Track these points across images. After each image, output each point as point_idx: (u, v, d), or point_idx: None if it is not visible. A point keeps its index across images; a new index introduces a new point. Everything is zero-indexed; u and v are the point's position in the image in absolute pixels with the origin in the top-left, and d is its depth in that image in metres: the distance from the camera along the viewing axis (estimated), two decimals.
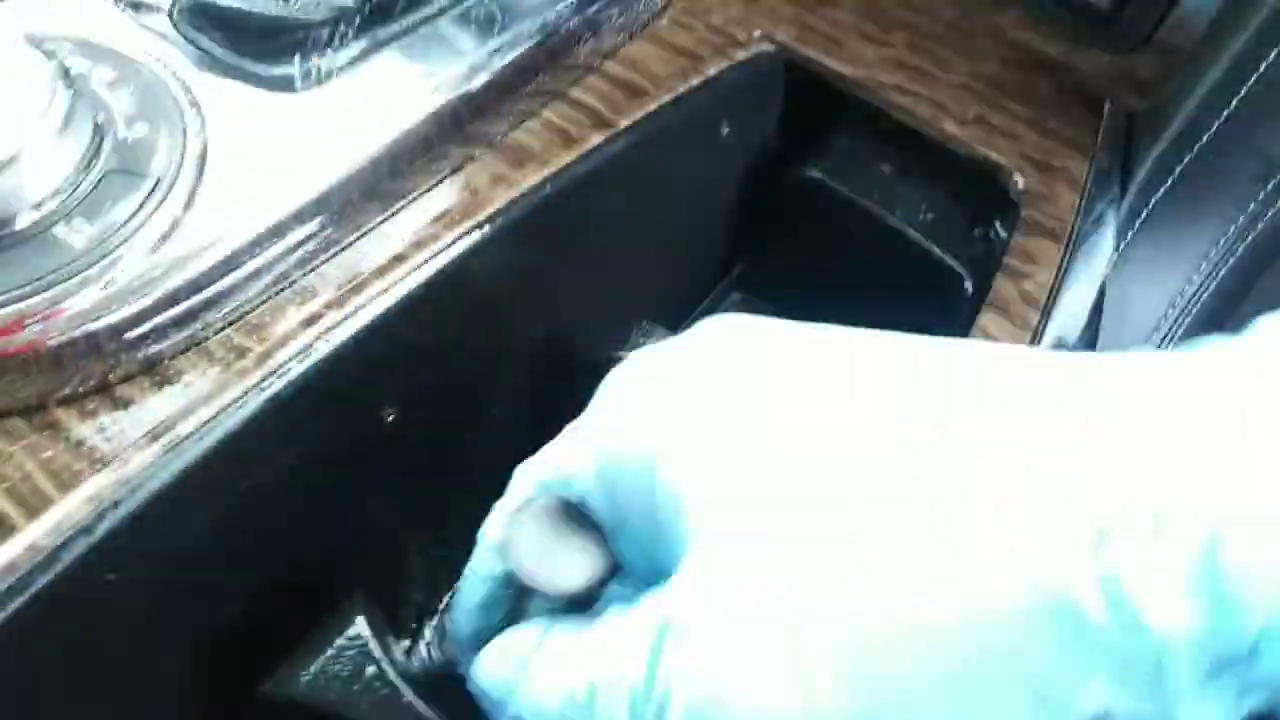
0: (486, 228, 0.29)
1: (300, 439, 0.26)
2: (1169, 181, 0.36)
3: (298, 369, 0.26)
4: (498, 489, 0.25)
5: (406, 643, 0.35)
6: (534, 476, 0.24)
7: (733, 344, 0.23)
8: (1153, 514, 0.17)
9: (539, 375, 0.35)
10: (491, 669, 0.23)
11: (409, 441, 0.30)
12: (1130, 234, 0.36)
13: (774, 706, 0.19)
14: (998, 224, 0.37)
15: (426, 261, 0.28)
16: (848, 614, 0.18)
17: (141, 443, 0.24)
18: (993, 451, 0.19)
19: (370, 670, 0.25)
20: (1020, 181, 0.35)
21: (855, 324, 0.23)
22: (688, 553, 0.21)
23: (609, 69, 0.34)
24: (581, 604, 0.23)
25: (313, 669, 0.25)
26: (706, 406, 0.22)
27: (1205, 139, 0.36)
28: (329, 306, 0.27)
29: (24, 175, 0.25)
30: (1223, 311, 0.40)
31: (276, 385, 0.25)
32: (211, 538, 0.25)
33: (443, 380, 0.30)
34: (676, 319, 0.41)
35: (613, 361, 0.25)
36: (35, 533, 0.23)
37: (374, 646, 0.26)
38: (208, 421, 0.24)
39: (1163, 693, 0.17)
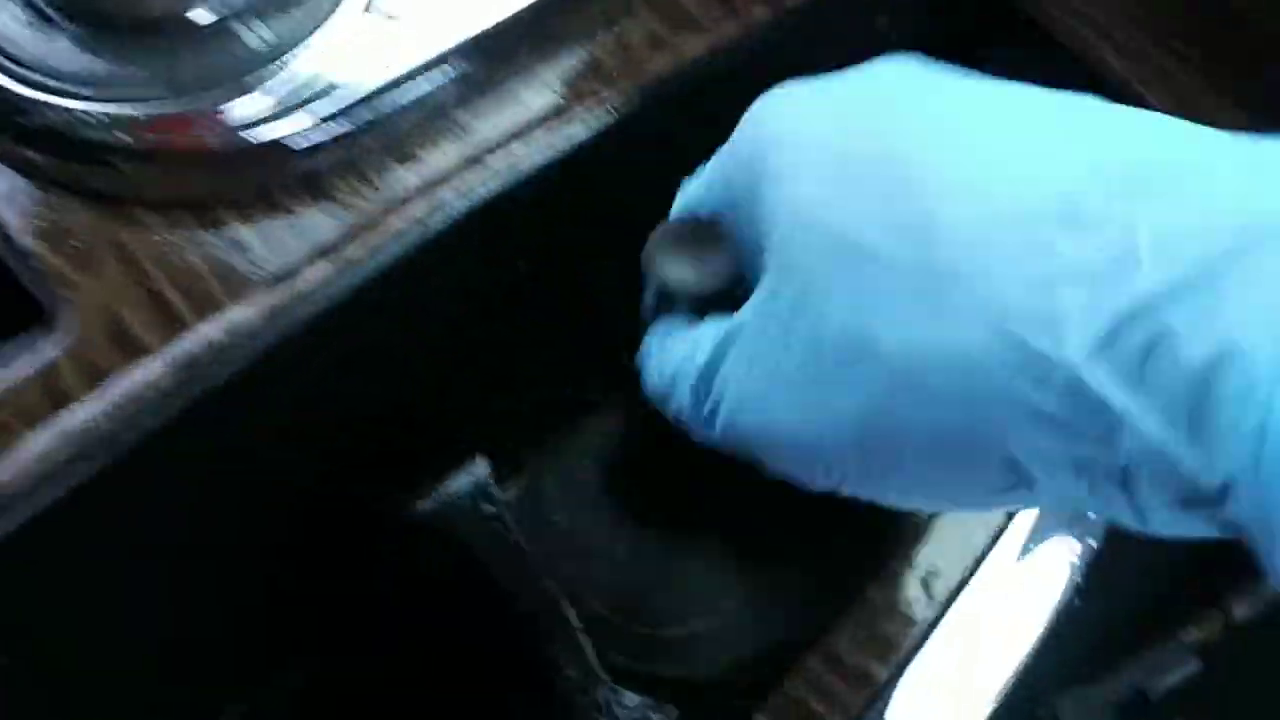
0: (643, 94, 0.29)
1: (450, 275, 0.27)
2: None
3: (457, 207, 0.26)
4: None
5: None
6: (679, 199, 0.27)
7: (883, 83, 0.24)
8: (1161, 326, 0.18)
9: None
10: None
11: (535, 294, 0.31)
12: None
13: (790, 428, 0.22)
14: None
15: (583, 118, 0.28)
16: (880, 354, 0.21)
17: (307, 258, 0.25)
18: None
19: (486, 507, 0.27)
20: None
21: None
22: (765, 272, 0.23)
23: None
24: (718, 307, 0.26)
25: (435, 499, 0.27)
26: (831, 131, 0.23)
27: None
28: (487, 150, 0.27)
29: None
30: None
31: (437, 221, 0.26)
32: (361, 359, 0.27)
33: (574, 238, 0.31)
34: None
35: None
36: (206, 330, 0.24)
37: (491, 485, 0.28)
38: (375, 247, 0.25)
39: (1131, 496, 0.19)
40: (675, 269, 0.26)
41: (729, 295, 0.25)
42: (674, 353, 0.26)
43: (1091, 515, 0.31)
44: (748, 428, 0.23)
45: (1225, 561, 0.60)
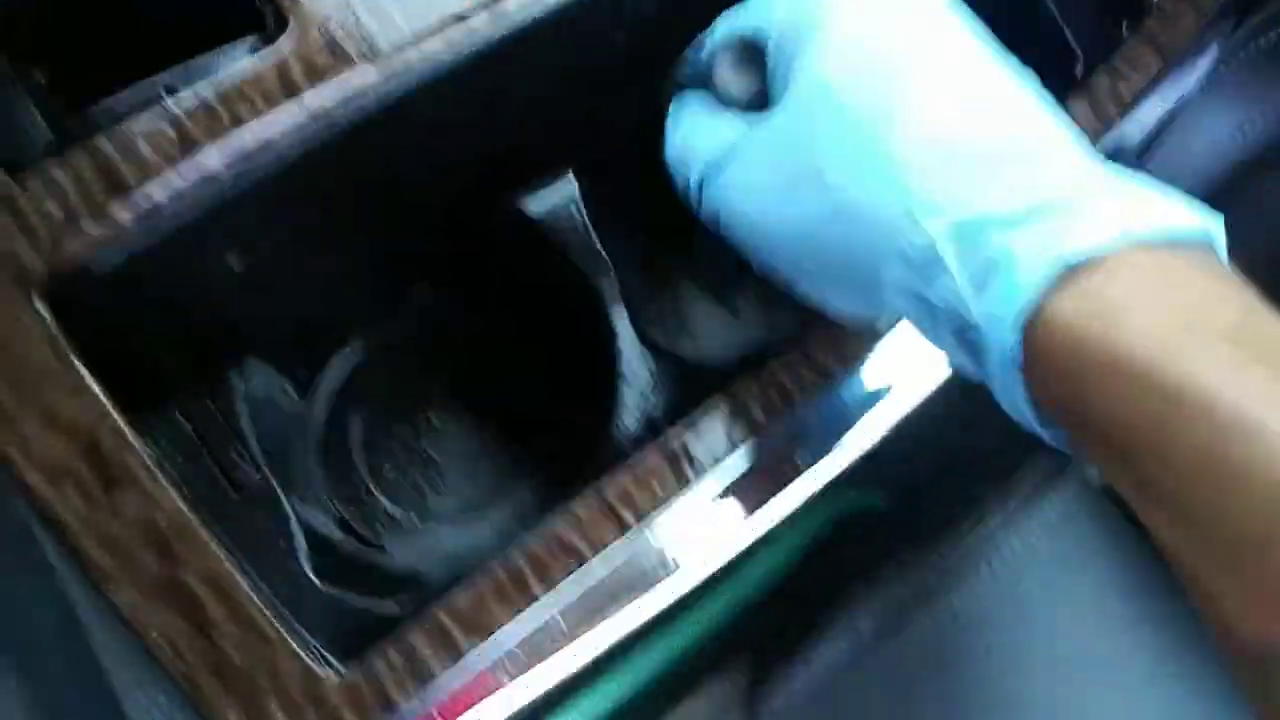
0: None
1: (568, 37, 0.37)
2: (1269, 37, 0.44)
3: None
4: None
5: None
6: (723, 18, 0.36)
7: None
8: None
9: None
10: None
11: (629, 60, 0.40)
12: (1219, 70, 0.44)
13: (756, 225, 0.33)
14: (1125, 25, 0.45)
15: None
16: (827, 187, 0.31)
17: (473, 7, 0.35)
18: None
19: (575, 214, 0.38)
20: None
21: None
22: (779, 103, 0.32)
23: None
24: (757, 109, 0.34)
25: (536, 201, 0.38)
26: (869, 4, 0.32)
27: None
28: None
29: None
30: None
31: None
32: (497, 88, 0.37)
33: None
34: None
35: None
36: (396, 54, 0.34)
37: (578, 197, 0.38)
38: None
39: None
40: (727, 73, 0.35)
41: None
42: (694, 134, 0.35)
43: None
44: (729, 217, 0.34)
45: None
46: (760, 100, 0.34)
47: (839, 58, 0.31)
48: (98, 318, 0.34)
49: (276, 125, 0.34)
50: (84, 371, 0.32)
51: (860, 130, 0.30)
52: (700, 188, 0.35)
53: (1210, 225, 0.27)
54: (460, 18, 0.35)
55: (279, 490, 0.39)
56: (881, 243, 0.30)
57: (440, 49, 0.35)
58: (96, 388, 0.32)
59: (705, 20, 0.37)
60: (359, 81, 0.34)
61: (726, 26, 0.35)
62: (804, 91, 0.31)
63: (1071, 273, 0.26)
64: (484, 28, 0.35)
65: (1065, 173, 0.29)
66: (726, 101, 0.35)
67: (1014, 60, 0.33)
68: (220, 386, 0.41)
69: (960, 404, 0.35)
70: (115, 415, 0.32)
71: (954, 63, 0.31)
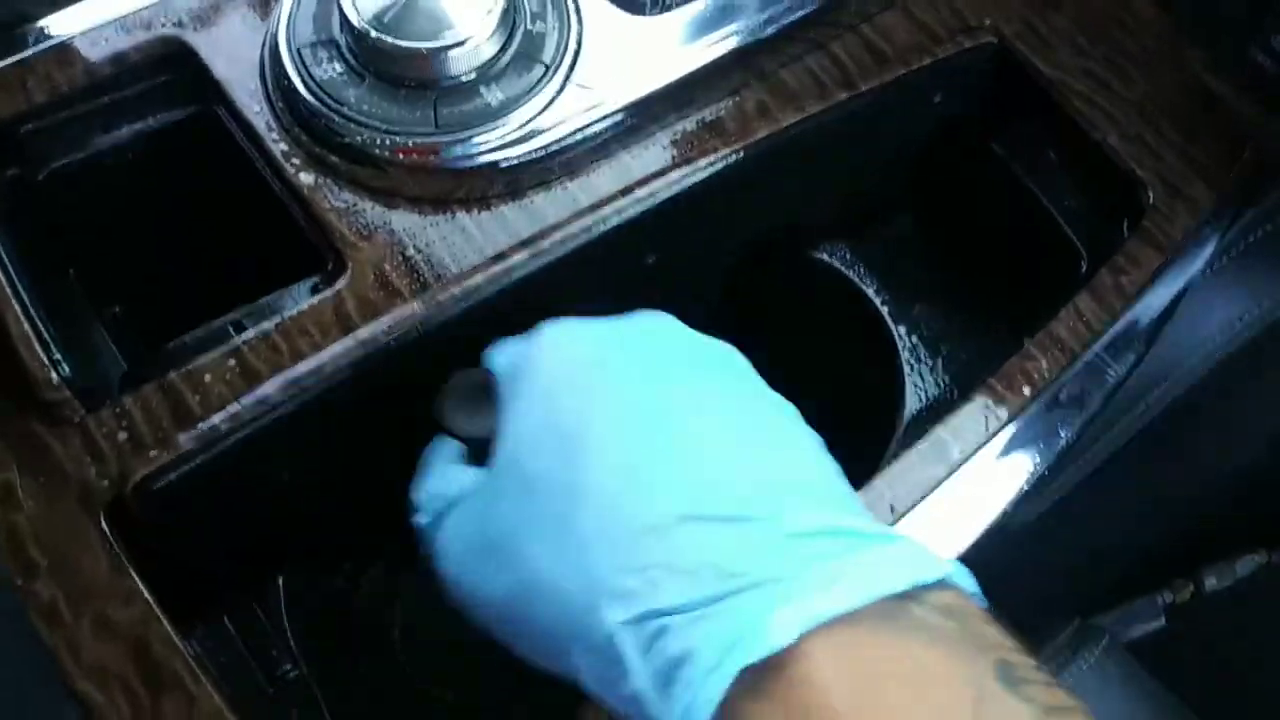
0: (748, 149, 0.42)
1: (606, 261, 0.41)
2: (1265, 229, 0.46)
3: (615, 219, 0.40)
4: None
5: None
6: (493, 349, 0.36)
7: (629, 341, 0.33)
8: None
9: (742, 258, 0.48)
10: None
11: (656, 275, 0.44)
12: (1220, 261, 0.47)
13: (466, 585, 0.32)
14: (1125, 225, 0.48)
15: (707, 165, 0.41)
16: (523, 561, 0.29)
17: (510, 245, 0.39)
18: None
19: None
20: (1151, 197, 0.46)
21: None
22: (493, 456, 0.32)
23: (864, 31, 0.45)
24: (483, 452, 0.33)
25: None
26: (569, 373, 0.31)
27: None
28: (640, 183, 0.41)
29: (470, 49, 0.38)
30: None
31: (602, 227, 0.40)
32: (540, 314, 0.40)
33: (687, 244, 0.44)
34: (853, 234, 0.53)
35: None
36: (440, 288, 0.38)
37: None
38: (557, 241, 0.39)
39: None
40: (454, 415, 0.34)
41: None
42: (433, 476, 0.34)
43: None
44: (443, 565, 0.33)
45: (1201, 536, 0.71)
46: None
47: (531, 418, 0.31)
48: (155, 532, 0.37)
49: (329, 354, 0.38)
50: (138, 581, 0.34)
51: (548, 503, 0.29)
52: (429, 530, 0.34)
53: (937, 572, 0.27)
54: (500, 256, 0.39)
55: (315, 687, 0.41)
56: (570, 628, 0.28)
57: (481, 282, 0.39)
58: (148, 595, 0.34)
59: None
60: (406, 314, 0.38)
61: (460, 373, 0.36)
62: (503, 453, 0.31)
63: (756, 671, 0.25)
64: (522, 264, 0.39)
65: (754, 551, 0.27)
66: (464, 440, 0.35)
67: (767, 402, 0.33)
68: (266, 590, 0.44)
69: (987, 577, 0.36)
70: (164, 622, 0.34)
71: (643, 432, 0.29)
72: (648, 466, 0.29)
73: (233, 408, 0.37)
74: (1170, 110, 0.48)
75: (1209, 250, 0.47)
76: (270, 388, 0.37)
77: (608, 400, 0.30)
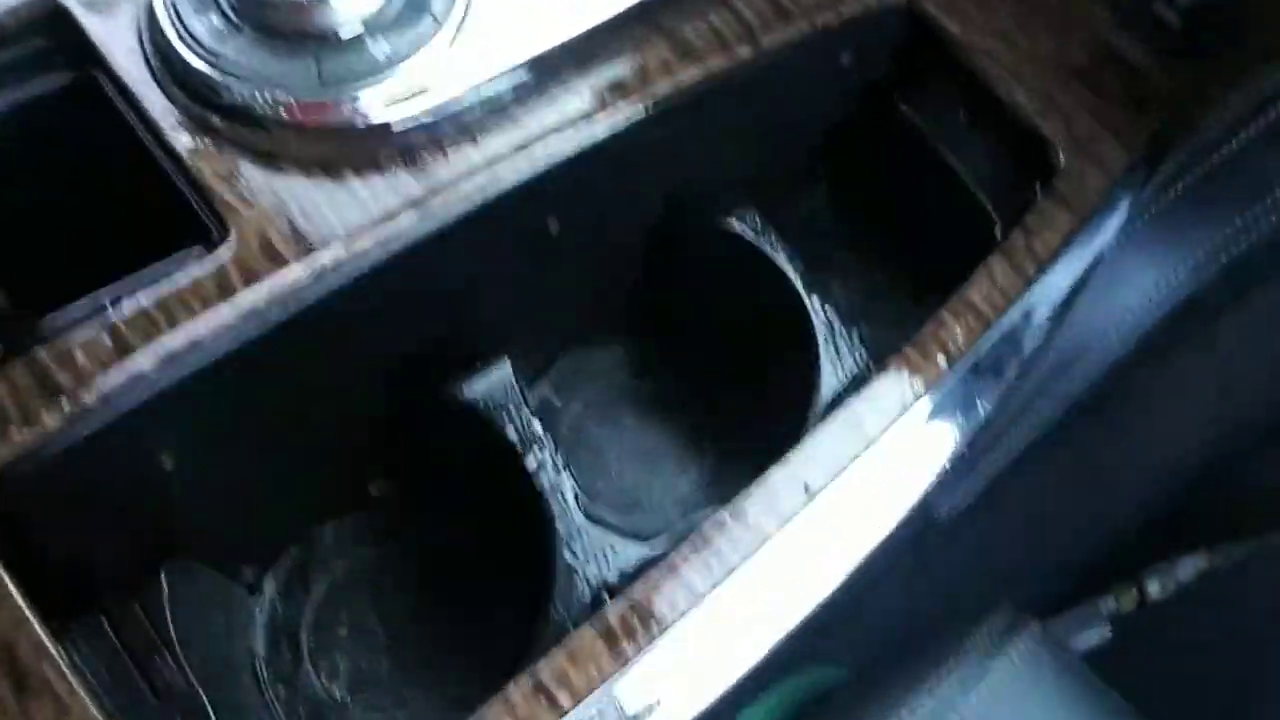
0: (651, 106, 0.41)
1: (501, 227, 0.40)
2: (1179, 187, 0.47)
3: (508, 179, 0.39)
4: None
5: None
6: None
7: None
8: None
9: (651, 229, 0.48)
10: None
11: (562, 245, 0.43)
12: (1135, 224, 0.47)
13: None
14: (1037, 186, 0.48)
15: (609, 122, 0.41)
16: None
17: (401, 206, 0.38)
18: None
19: (508, 396, 0.40)
20: (1062, 159, 0.47)
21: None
22: None
23: None
24: None
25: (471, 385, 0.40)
26: None
27: (1218, 158, 0.47)
28: (534, 139, 0.40)
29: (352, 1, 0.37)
30: (1201, 313, 0.52)
31: (494, 188, 0.39)
32: (428, 281, 0.39)
33: (591, 208, 0.43)
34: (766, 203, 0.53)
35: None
36: (326, 251, 0.37)
37: (513, 380, 0.40)
38: (448, 203, 0.38)
39: None
40: None
41: None
42: None
43: None
44: None
45: (1140, 531, 0.71)
46: None
47: None
48: (22, 523, 0.35)
49: (207, 325, 0.36)
50: (5, 580, 0.32)
51: None
52: None
53: None
54: (389, 216, 0.38)
55: (204, 697, 0.39)
56: None
57: (369, 246, 0.37)
58: (17, 595, 0.32)
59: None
60: (289, 280, 0.37)
61: None
62: None
63: None
64: (412, 226, 0.38)
65: None
66: None
67: None
68: (149, 590, 0.42)
69: (901, 567, 0.35)
70: (34, 623, 0.32)
71: None
72: None
73: (105, 385, 0.35)
74: (1078, 69, 0.48)
75: (1123, 211, 0.48)
76: (145, 362, 0.35)
77: None
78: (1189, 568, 0.71)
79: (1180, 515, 0.72)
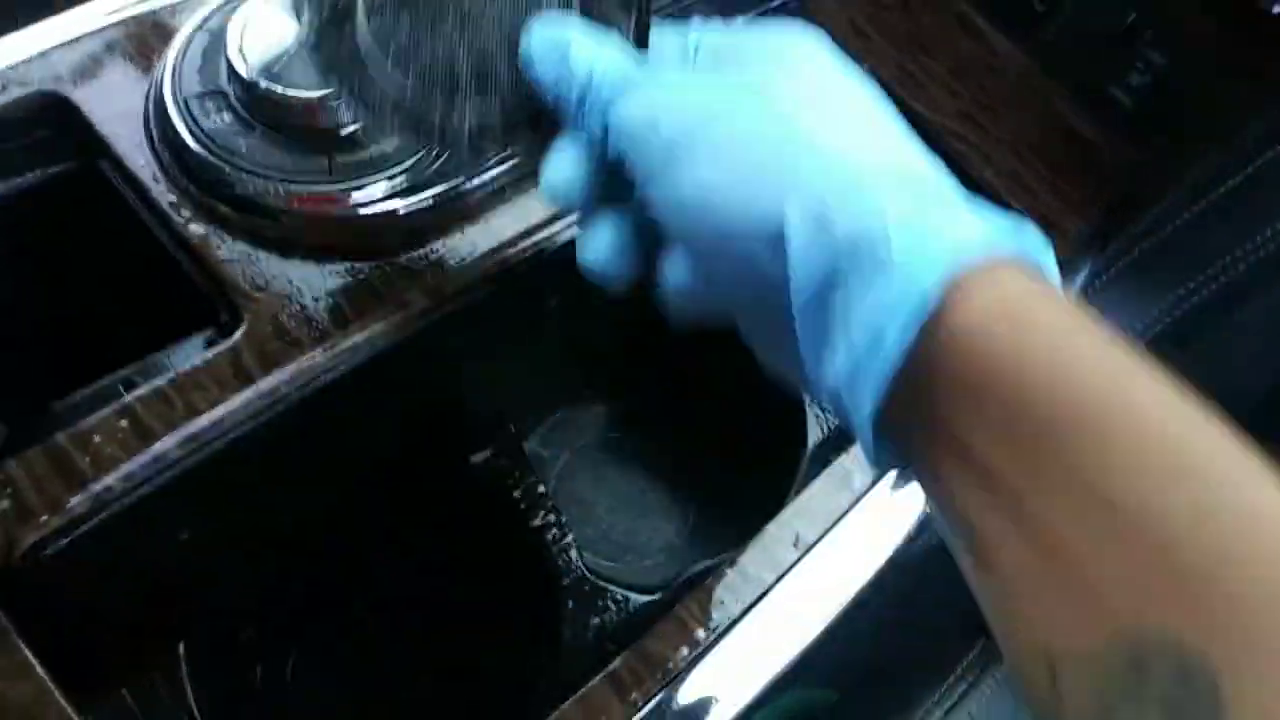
0: None
1: (507, 303, 0.42)
2: (1130, 258, 0.51)
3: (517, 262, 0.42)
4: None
5: None
6: None
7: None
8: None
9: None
10: None
11: (560, 326, 0.46)
12: (1086, 292, 0.51)
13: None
14: None
15: None
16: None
17: (410, 289, 0.40)
18: None
19: (516, 462, 0.42)
20: None
21: None
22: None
23: None
24: None
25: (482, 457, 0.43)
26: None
27: (1166, 232, 0.51)
28: (539, 226, 0.43)
29: None
30: None
31: (505, 270, 0.41)
32: (440, 357, 0.41)
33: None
34: None
35: None
36: (339, 335, 0.39)
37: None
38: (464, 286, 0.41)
39: None
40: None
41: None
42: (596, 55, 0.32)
43: None
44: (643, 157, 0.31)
45: None
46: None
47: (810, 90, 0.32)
48: (47, 602, 0.36)
49: (228, 407, 0.38)
50: (29, 655, 0.34)
51: (772, 123, 0.30)
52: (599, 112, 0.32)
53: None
54: (402, 304, 0.40)
55: None
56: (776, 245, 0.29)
57: (384, 330, 0.40)
58: (40, 669, 0.34)
59: None
60: (307, 364, 0.39)
61: None
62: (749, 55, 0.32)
63: (958, 282, 0.26)
64: (424, 312, 0.40)
65: (946, 195, 0.29)
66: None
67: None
68: (167, 659, 0.43)
69: (893, 604, 0.38)
70: (59, 696, 0.34)
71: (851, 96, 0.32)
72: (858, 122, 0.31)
73: (126, 467, 0.37)
74: (1039, 147, 0.52)
75: (1080, 277, 0.51)
76: (166, 445, 0.37)
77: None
78: None
79: None
